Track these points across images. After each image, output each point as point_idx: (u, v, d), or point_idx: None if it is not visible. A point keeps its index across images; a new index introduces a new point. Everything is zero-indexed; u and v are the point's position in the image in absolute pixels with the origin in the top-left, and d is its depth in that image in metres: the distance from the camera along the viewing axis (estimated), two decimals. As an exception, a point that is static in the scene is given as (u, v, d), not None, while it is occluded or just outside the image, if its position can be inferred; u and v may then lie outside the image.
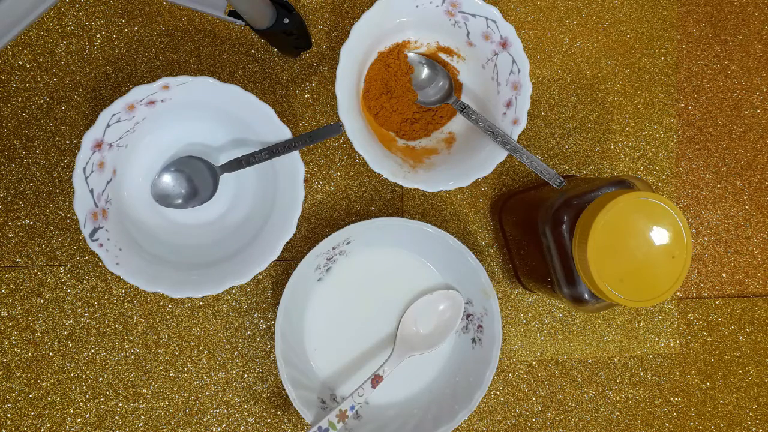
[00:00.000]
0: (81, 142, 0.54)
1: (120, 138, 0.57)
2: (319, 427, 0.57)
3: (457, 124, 0.64)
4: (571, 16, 0.69)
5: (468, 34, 0.61)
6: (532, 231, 0.56)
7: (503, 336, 0.67)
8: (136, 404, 0.64)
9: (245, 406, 0.65)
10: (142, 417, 0.64)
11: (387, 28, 0.60)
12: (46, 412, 0.64)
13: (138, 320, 0.64)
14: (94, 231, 0.55)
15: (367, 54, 0.60)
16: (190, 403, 0.65)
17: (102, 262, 0.58)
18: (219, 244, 0.61)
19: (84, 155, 0.54)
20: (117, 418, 0.64)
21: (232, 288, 0.65)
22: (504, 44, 0.59)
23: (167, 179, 0.59)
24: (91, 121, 0.64)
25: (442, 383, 0.64)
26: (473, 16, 0.59)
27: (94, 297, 0.64)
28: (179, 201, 0.60)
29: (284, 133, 0.58)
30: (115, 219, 0.57)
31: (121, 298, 0.64)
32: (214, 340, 0.65)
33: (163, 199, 0.59)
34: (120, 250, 0.56)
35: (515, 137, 0.59)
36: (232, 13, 0.54)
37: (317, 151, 0.66)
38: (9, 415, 0.63)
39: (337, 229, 0.60)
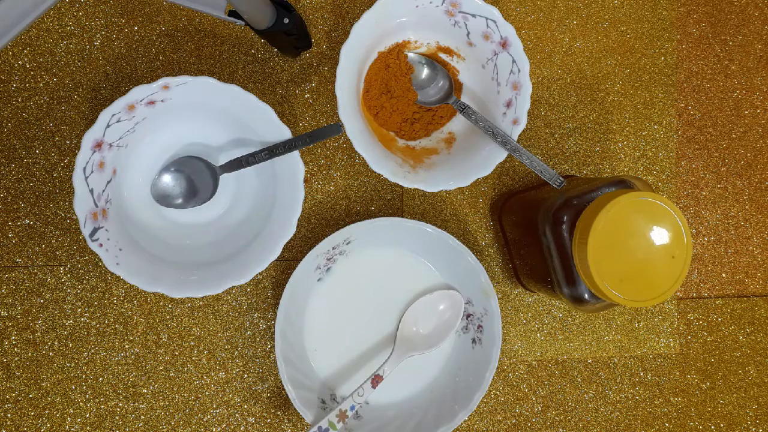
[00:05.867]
0: (81, 142, 0.54)
1: (120, 138, 0.57)
2: (319, 427, 0.57)
3: (457, 124, 0.64)
4: (571, 16, 0.69)
5: (468, 34, 0.61)
6: (532, 231, 0.56)
7: (503, 336, 0.67)
8: (136, 404, 0.64)
9: (245, 406, 0.65)
10: (142, 417, 0.64)
11: (387, 28, 0.60)
12: (46, 412, 0.64)
13: (138, 320, 0.64)
14: (94, 231, 0.55)
15: (367, 54, 0.60)
16: (190, 403, 0.65)
17: (102, 262, 0.58)
18: (219, 244, 0.61)
19: (84, 155, 0.54)
20: (117, 418, 0.64)
21: (232, 288, 0.65)
22: (504, 44, 0.59)
23: (167, 179, 0.59)
24: (91, 121, 0.64)
25: (442, 383, 0.64)
26: (473, 16, 0.59)
27: (94, 297, 0.64)
28: (179, 201, 0.60)
29: (284, 133, 0.58)
30: (115, 219, 0.57)
31: (121, 298, 0.64)
32: (214, 340, 0.65)
33: (163, 199, 0.59)
34: (120, 250, 0.56)
35: (515, 137, 0.59)
36: (232, 13, 0.54)
37: (317, 151, 0.66)
38: (9, 415, 0.63)
39: (337, 229, 0.60)
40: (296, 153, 0.58)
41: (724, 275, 0.70)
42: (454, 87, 0.64)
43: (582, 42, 0.69)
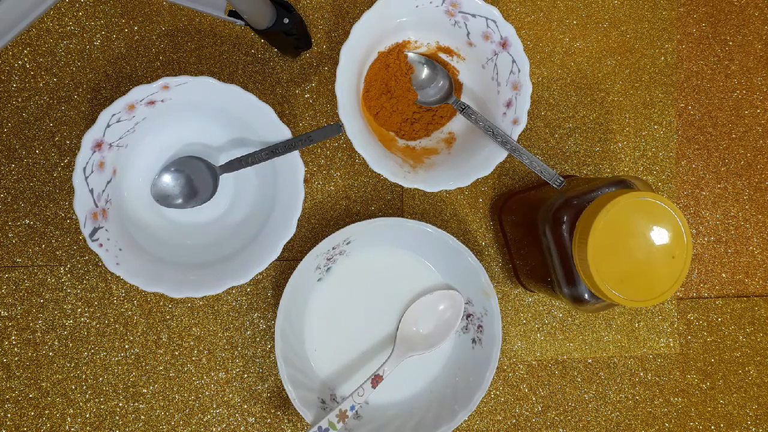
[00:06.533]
0: (81, 142, 0.54)
1: (120, 138, 0.57)
2: (319, 427, 0.57)
3: (457, 124, 0.64)
4: (571, 16, 0.69)
5: (468, 34, 0.61)
6: (532, 231, 0.56)
7: (503, 336, 0.67)
8: (136, 404, 0.64)
9: (245, 406, 0.65)
10: (142, 417, 0.64)
11: (387, 28, 0.60)
12: (46, 412, 0.64)
13: (138, 320, 0.64)
14: (94, 231, 0.55)
15: (367, 54, 0.60)
16: (190, 403, 0.65)
17: (102, 262, 0.58)
18: (219, 244, 0.61)
19: (84, 155, 0.54)
20: (117, 418, 0.64)
21: (232, 288, 0.65)
22: (504, 44, 0.59)
23: (167, 179, 0.59)
24: (91, 121, 0.64)
25: (442, 383, 0.64)
26: (473, 16, 0.59)
27: (94, 297, 0.64)
28: (179, 201, 0.60)
29: (284, 133, 0.58)
30: (115, 219, 0.57)
31: (121, 298, 0.64)
32: (214, 340, 0.65)
33: (163, 199, 0.59)
34: (120, 250, 0.56)
35: (515, 137, 0.59)
36: (232, 13, 0.54)
37: (317, 151, 0.66)
38: (9, 415, 0.63)
39: (337, 229, 0.60)
40: (296, 153, 0.58)
41: (724, 275, 0.70)
42: (454, 87, 0.64)
43: (582, 42, 0.69)
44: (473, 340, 0.64)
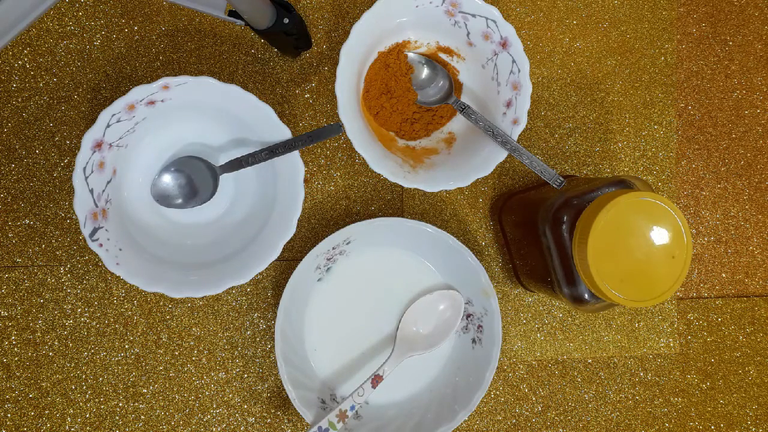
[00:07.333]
0: (81, 142, 0.54)
1: (120, 138, 0.57)
2: (319, 427, 0.57)
3: (457, 124, 0.64)
4: (571, 16, 0.69)
5: (468, 34, 0.61)
6: (532, 231, 0.56)
7: (503, 336, 0.67)
8: (136, 404, 0.64)
9: (245, 406, 0.65)
10: (142, 417, 0.64)
11: (387, 28, 0.60)
12: (46, 412, 0.64)
13: (138, 320, 0.64)
14: (94, 231, 0.55)
15: (367, 54, 0.60)
16: (190, 403, 0.65)
17: (102, 262, 0.58)
18: (219, 244, 0.61)
19: (84, 155, 0.54)
20: (117, 418, 0.64)
21: (232, 288, 0.65)
22: (504, 44, 0.59)
23: (167, 179, 0.59)
24: (91, 121, 0.64)
25: (442, 383, 0.64)
26: (473, 16, 0.59)
27: (94, 297, 0.64)
28: (179, 201, 0.60)
29: (284, 133, 0.58)
30: (115, 219, 0.57)
31: (121, 298, 0.64)
32: (214, 340, 0.65)
33: (163, 199, 0.59)
34: (120, 250, 0.56)
35: (515, 137, 0.59)
36: (232, 13, 0.54)
37: (317, 151, 0.66)
38: (9, 415, 0.63)
39: (337, 229, 0.60)
40: (296, 153, 0.58)
41: (724, 275, 0.70)
42: (454, 87, 0.64)
43: (582, 42, 0.69)
44: (473, 340, 0.64)
